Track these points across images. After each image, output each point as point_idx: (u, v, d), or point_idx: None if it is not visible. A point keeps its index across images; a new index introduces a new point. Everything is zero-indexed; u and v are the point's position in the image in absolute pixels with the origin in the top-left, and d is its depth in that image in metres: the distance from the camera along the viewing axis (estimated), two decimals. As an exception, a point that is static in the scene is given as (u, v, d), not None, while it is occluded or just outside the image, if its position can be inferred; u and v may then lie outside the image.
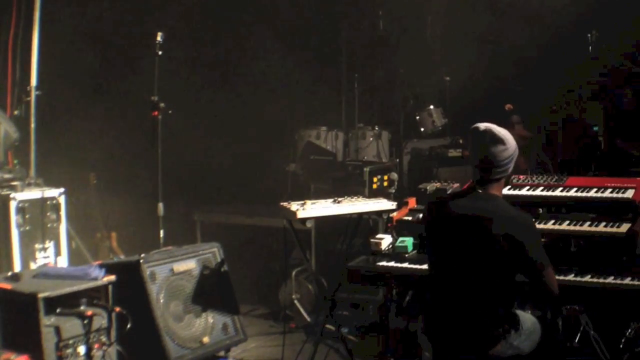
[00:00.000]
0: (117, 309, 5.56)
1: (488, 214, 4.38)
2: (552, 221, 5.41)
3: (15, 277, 5.56)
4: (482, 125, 4.50)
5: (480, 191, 4.49)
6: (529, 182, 5.78)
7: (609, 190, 5.48)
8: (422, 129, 9.31)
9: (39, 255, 6.66)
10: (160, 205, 7.08)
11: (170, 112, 7.00)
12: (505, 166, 4.48)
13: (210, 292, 6.41)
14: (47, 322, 5.22)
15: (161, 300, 6.02)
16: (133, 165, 8.27)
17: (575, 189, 5.58)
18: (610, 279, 4.89)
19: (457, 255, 4.44)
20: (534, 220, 5.13)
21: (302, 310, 7.50)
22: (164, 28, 7.03)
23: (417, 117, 9.28)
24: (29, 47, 7.23)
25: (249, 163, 9.16)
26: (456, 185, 5.98)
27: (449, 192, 5.69)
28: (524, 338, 4.50)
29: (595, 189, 5.53)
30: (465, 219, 4.43)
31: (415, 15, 9.90)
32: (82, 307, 5.48)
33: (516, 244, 4.29)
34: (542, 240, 5.04)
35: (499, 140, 4.44)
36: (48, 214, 6.74)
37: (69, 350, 5.30)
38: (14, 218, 6.46)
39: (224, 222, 8.59)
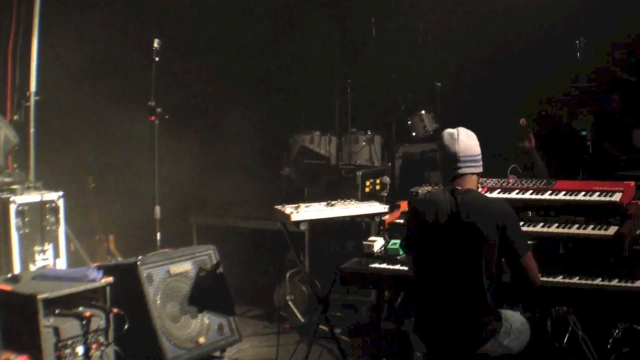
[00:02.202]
0: (115, 310, 5.61)
1: (469, 205, 4.48)
2: (541, 224, 5.42)
3: (15, 279, 5.61)
4: (451, 129, 4.71)
5: (458, 188, 4.59)
6: (518, 186, 5.78)
7: (597, 193, 5.47)
8: (414, 134, 9.33)
9: (38, 257, 6.67)
10: (157, 208, 7.12)
11: (166, 117, 7.08)
12: (479, 162, 4.66)
13: (206, 293, 6.44)
14: (46, 322, 5.26)
15: (158, 302, 6.05)
16: (130, 169, 8.29)
17: (563, 192, 5.58)
18: (598, 281, 4.90)
19: (443, 252, 4.51)
20: (522, 222, 5.25)
21: (296, 311, 7.56)
22: (162, 34, 7.11)
23: (409, 122, 9.29)
24: (28, 53, 7.25)
25: (244, 166, 9.20)
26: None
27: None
28: (513, 337, 4.56)
29: (583, 192, 5.52)
30: (448, 213, 4.51)
31: (407, 21, 9.96)
32: (80, 308, 5.53)
33: (498, 228, 4.40)
34: (532, 242, 5.13)
35: (472, 136, 4.67)
36: (47, 216, 6.76)
37: (68, 351, 5.35)
38: (13, 221, 6.48)
39: (220, 224, 8.61)
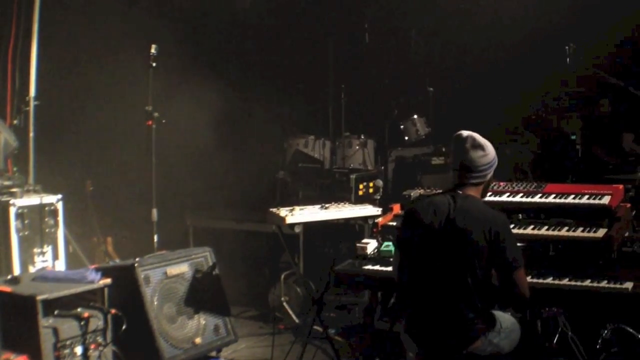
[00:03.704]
0: (113, 310, 5.66)
1: (466, 212, 4.50)
2: (532, 226, 5.44)
3: (15, 280, 5.65)
4: (465, 132, 4.68)
5: (460, 192, 4.62)
6: (509, 189, 5.80)
7: (586, 196, 5.48)
8: (407, 138, 9.39)
9: (37, 259, 6.70)
10: (154, 211, 7.19)
11: (164, 121, 7.15)
12: (484, 172, 4.65)
13: (202, 294, 6.47)
14: (45, 323, 5.31)
15: (155, 303, 6.09)
16: (128, 173, 8.32)
17: (553, 195, 5.59)
18: (587, 282, 4.94)
19: (436, 253, 4.53)
20: (512, 224, 5.30)
21: (290, 312, 7.57)
22: (158, 39, 7.17)
23: (402, 126, 9.35)
24: (28, 57, 7.30)
25: (239, 170, 9.23)
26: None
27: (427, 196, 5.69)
28: (503, 336, 4.59)
29: (572, 196, 5.53)
30: (446, 216, 4.52)
31: (400, 28, 10.02)
32: (79, 309, 5.57)
33: (493, 239, 4.41)
34: (522, 244, 5.18)
35: (479, 146, 4.63)
36: (46, 219, 6.78)
37: (67, 351, 5.39)
38: (13, 223, 6.51)
39: (216, 227, 8.65)
